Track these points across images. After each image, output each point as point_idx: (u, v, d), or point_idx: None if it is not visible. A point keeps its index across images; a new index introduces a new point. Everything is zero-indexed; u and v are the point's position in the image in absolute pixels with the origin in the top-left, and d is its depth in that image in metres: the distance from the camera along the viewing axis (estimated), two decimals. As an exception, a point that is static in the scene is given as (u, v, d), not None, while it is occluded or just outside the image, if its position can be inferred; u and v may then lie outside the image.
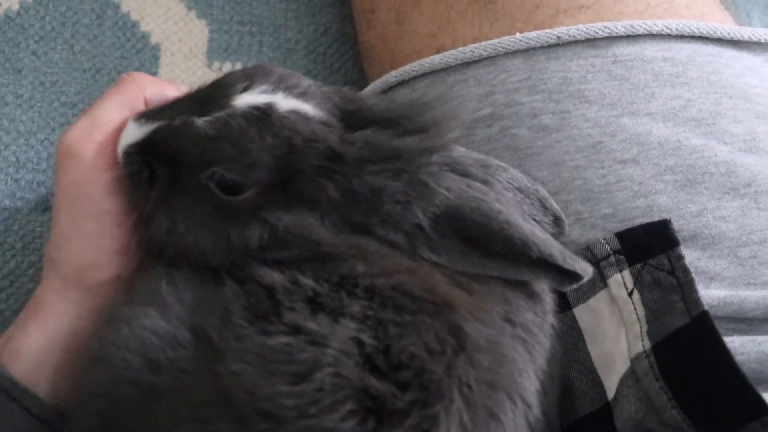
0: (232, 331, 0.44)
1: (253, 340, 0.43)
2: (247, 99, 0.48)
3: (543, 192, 0.54)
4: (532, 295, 0.51)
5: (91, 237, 0.50)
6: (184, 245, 0.49)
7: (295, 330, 0.43)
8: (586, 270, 0.49)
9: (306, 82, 0.51)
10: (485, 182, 0.50)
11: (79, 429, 0.46)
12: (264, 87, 0.48)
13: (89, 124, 0.51)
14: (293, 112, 0.48)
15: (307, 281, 0.46)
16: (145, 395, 0.44)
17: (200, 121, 0.48)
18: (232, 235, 0.48)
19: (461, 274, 0.49)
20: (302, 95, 0.49)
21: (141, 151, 0.49)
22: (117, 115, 0.51)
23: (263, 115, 0.47)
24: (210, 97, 0.49)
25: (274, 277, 0.46)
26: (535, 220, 0.52)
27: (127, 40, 0.76)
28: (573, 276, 0.49)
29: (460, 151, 0.52)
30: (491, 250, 0.48)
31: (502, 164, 0.53)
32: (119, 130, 0.50)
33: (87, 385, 0.46)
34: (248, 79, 0.49)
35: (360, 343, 0.43)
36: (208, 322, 0.45)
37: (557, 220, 0.54)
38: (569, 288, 0.51)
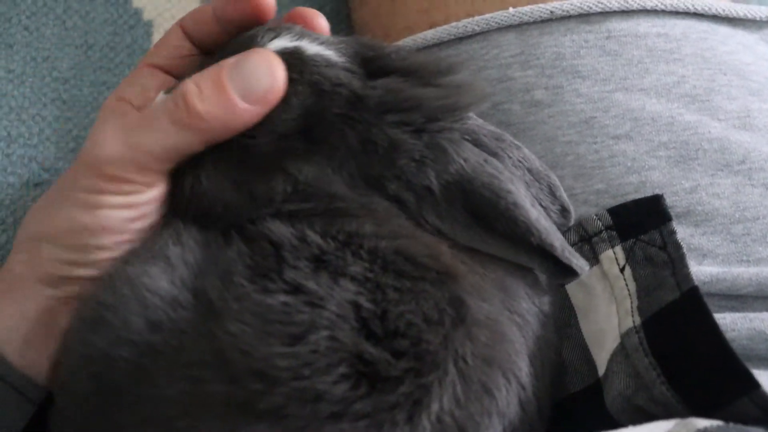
0: (232, 292, 0.44)
1: (253, 299, 0.43)
2: (277, 43, 0.49)
3: (554, 179, 0.53)
4: (532, 286, 0.50)
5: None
6: (207, 201, 0.48)
7: (295, 289, 0.43)
8: (582, 267, 0.49)
9: (325, 35, 0.52)
10: (495, 155, 0.50)
11: (72, 396, 0.46)
12: (290, 36, 0.49)
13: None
14: (319, 55, 0.48)
15: (314, 238, 0.46)
16: (143, 356, 0.43)
17: None
18: (256, 186, 0.48)
19: (465, 252, 0.48)
20: (324, 43, 0.50)
21: None
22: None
23: (294, 55, 0.48)
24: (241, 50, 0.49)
25: (283, 231, 0.46)
26: (542, 205, 0.51)
27: (120, 16, 0.75)
28: (568, 270, 0.49)
29: (475, 120, 0.52)
30: (495, 228, 0.48)
31: (517, 142, 0.52)
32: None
33: (82, 349, 0.45)
34: (274, 30, 0.50)
35: (357, 307, 0.43)
36: (209, 283, 0.45)
37: (564, 211, 0.53)
38: (561, 282, 0.51)
